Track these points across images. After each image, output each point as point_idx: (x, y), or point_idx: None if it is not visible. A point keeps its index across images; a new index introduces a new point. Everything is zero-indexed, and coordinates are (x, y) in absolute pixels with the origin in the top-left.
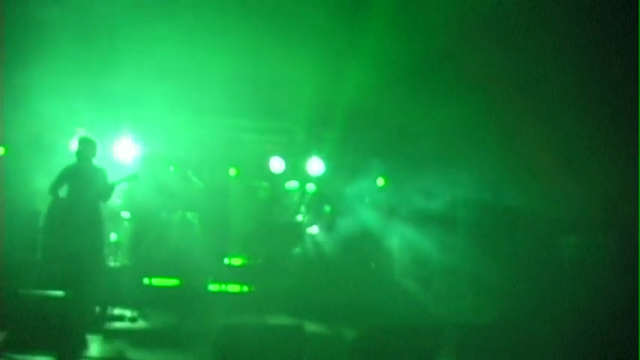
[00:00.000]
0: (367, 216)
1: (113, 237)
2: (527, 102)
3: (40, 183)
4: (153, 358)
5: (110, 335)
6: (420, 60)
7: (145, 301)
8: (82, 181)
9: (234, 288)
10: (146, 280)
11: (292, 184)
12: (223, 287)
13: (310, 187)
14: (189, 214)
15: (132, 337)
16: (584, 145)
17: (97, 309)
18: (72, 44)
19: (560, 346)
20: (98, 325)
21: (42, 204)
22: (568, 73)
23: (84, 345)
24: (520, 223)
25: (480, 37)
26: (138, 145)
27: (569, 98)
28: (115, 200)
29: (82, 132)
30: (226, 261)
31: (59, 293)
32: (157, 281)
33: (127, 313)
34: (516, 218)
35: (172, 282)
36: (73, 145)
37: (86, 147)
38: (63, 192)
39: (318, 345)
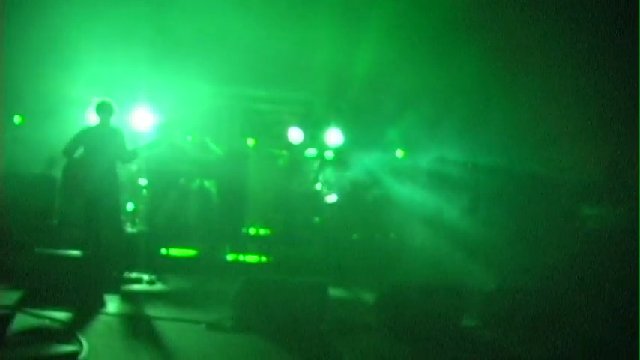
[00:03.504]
0: (387, 184)
1: (130, 207)
2: (549, 67)
3: (56, 150)
4: (172, 315)
5: (128, 296)
6: (439, 27)
7: (163, 268)
8: (98, 143)
9: (252, 258)
10: (163, 250)
11: (311, 152)
12: (241, 257)
13: (329, 154)
14: (207, 183)
15: (150, 297)
16: (610, 111)
17: (115, 272)
18: (90, 13)
19: (582, 314)
20: (116, 286)
21: (58, 171)
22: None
23: (101, 303)
24: (542, 191)
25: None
26: (155, 114)
27: (594, 62)
28: (132, 167)
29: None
30: (244, 230)
31: (76, 252)
32: (174, 251)
33: (145, 276)
34: (539, 186)
35: (189, 252)
36: (91, 110)
37: (103, 109)
38: (78, 154)
39: (340, 305)
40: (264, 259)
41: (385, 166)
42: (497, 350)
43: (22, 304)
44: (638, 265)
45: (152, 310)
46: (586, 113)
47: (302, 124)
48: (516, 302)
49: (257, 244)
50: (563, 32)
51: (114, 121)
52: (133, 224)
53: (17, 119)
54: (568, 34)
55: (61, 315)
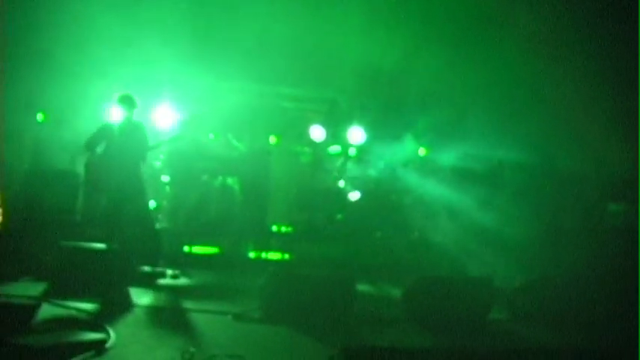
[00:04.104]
0: (410, 181)
1: (152, 203)
2: (577, 63)
3: (79, 146)
4: (200, 308)
5: (153, 289)
6: (464, 24)
7: (186, 264)
8: (120, 138)
9: (274, 255)
10: (186, 248)
11: (335, 148)
12: (264, 254)
13: (352, 151)
14: (229, 180)
15: (175, 291)
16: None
17: (141, 266)
18: (114, 11)
19: (609, 308)
20: (140, 280)
21: (81, 167)
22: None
23: (126, 296)
24: (569, 187)
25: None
26: (177, 111)
27: (622, 58)
28: (156, 164)
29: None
30: (267, 228)
31: (100, 246)
32: (196, 249)
33: (169, 271)
34: (565, 182)
35: (212, 250)
36: (113, 104)
37: (125, 103)
38: (100, 149)
39: (366, 299)
40: (286, 256)
41: (408, 163)
42: (523, 343)
43: (47, 296)
44: (638, 262)
45: (178, 302)
46: (613, 110)
47: (324, 122)
48: (544, 296)
49: (280, 241)
50: (591, 28)
51: (135, 115)
52: (156, 221)
53: (40, 117)
54: (595, 30)
55: (87, 306)
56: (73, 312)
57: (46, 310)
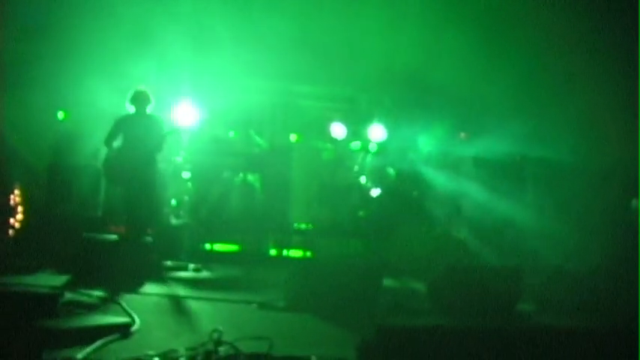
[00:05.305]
0: (432, 176)
1: (173, 200)
2: (601, 59)
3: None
4: (223, 297)
5: (176, 281)
6: (483, 21)
7: (207, 259)
8: (136, 131)
9: (295, 252)
10: (207, 246)
11: (356, 144)
12: (285, 252)
13: (373, 147)
14: (250, 177)
15: (198, 283)
16: None
17: (157, 258)
18: (132, 6)
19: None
20: (162, 272)
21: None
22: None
23: (148, 286)
24: (594, 182)
25: None
26: (198, 109)
27: None
28: (177, 159)
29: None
30: (288, 225)
31: (120, 237)
32: (218, 247)
33: (191, 265)
34: (589, 178)
35: (233, 247)
36: (128, 99)
37: (137, 99)
38: (118, 143)
39: (391, 292)
40: (308, 253)
41: (430, 158)
42: (549, 334)
43: (70, 286)
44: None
45: (201, 293)
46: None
47: (345, 120)
48: (571, 288)
49: (301, 238)
50: (620, 24)
51: (150, 109)
52: (178, 217)
53: (61, 115)
54: (623, 27)
55: (110, 295)
56: (96, 300)
57: (70, 299)
